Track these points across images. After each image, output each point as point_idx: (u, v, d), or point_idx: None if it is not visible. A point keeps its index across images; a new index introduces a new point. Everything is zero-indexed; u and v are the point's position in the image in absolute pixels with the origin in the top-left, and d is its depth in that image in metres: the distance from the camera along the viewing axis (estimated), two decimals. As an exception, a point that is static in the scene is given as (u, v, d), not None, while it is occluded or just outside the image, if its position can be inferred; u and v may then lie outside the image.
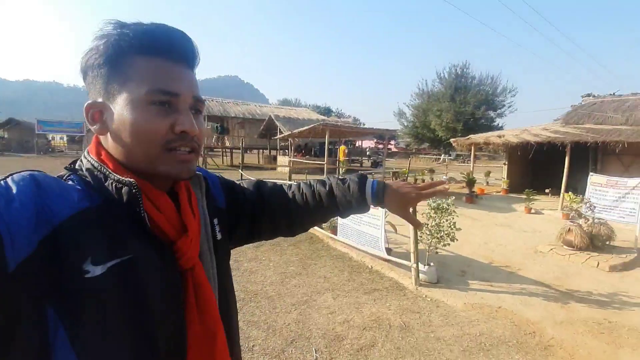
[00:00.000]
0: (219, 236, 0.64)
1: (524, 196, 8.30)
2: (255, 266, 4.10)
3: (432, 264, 3.85)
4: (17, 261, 0.38)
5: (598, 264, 4.54)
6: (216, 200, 0.68)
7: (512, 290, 3.69)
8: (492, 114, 27.44)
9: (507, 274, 4.23)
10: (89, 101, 0.51)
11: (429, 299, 3.43)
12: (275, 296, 3.33)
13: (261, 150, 22.96)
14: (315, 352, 2.49)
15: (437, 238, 3.73)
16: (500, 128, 25.09)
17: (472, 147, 10.96)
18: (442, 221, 3.72)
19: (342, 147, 14.85)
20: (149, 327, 0.46)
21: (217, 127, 19.67)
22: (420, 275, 3.74)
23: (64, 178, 0.50)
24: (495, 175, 13.05)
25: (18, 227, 0.39)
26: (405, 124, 31.48)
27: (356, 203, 0.77)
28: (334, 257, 4.55)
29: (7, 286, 0.37)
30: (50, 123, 22.81)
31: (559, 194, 8.04)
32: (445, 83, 28.31)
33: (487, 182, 12.43)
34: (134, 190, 0.48)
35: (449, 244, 3.76)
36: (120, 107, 0.49)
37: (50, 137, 26.89)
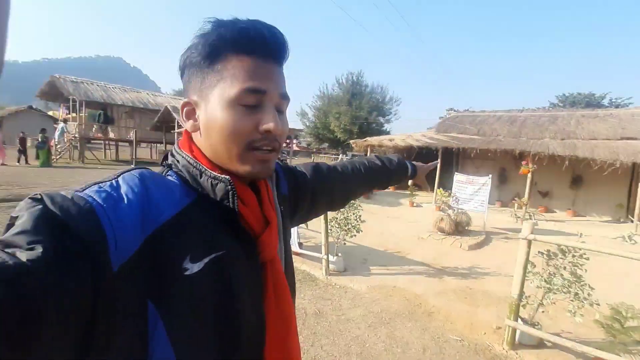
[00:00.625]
0: (286, 224, 0.66)
1: (408, 192, 9.76)
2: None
3: (339, 254, 4.27)
4: (120, 262, 0.39)
5: (461, 244, 5.76)
6: (281, 187, 0.70)
7: (403, 272, 4.40)
8: (381, 119, 30.85)
9: (399, 258, 4.99)
10: (185, 99, 0.53)
11: (338, 286, 3.81)
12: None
13: (154, 144, 20.74)
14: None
15: (345, 230, 4.16)
16: (388, 132, 28.47)
17: (368, 149, 12.26)
18: (349, 215, 4.16)
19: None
20: (235, 319, 0.48)
21: (99, 114, 16.91)
22: (330, 265, 4.10)
23: (165, 174, 0.51)
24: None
25: (124, 228, 0.40)
26: (307, 124, 32.74)
27: (403, 177, 1.08)
28: None
29: (110, 285, 0.37)
30: None
31: (433, 190, 9.72)
32: (343, 88, 30.52)
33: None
34: (228, 187, 0.49)
35: (355, 235, 4.23)
36: (211, 106, 0.50)
37: None
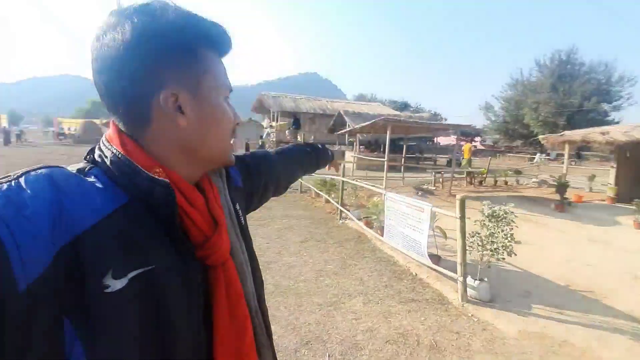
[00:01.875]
0: (242, 221, 0.63)
1: (634, 207, 6.74)
2: (295, 261, 4.14)
3: (485, 279, 3.38)
4: (28, 280, 0.34)
5: None
6: (235, 180, 0.69)
7: (587, 322, 3.02)
8: (605, 106, 22.98)
9: (587, 301, 3.47)
10: (163, 90, 0.46)
11: (474, 319, 3.02)
12: (304, 293, 3.31)
13: (330, 146, 23.33)
14: (328, 358, 2.39)
15: (491, 250, 3.24)
16: (616, 123, 20.86)
17: (567, 146, 9.31)
18: (497, 231, 3.21)
19: (468, 146, 13.41)
20: (167, 339, 0.44)
21: (292, 121, 20.53)
22: (468, 290, 3.31)
23: (85, 172, 0.45)
24: (603, 180, 10.90)
25: (30, 240, 0.35)
26: (493, 119, 28.43)
27: (327, 161, 1.17)
28: (378, 260, 4.34)
29: (17, 306, 0.34)
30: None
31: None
32: (545, 71, 24.65)
33: (591, 188, 10.45)
34: (166, 190, 0.45)
35: (503, 258, 3.24)
36: (205, 98, 0.49)
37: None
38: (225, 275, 0.51)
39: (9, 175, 0.39)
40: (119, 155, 0.46)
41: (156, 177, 0.45)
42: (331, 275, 3.78)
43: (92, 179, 0.44)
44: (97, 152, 0.48)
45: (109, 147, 0.47)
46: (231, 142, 0.55)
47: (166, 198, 0.44)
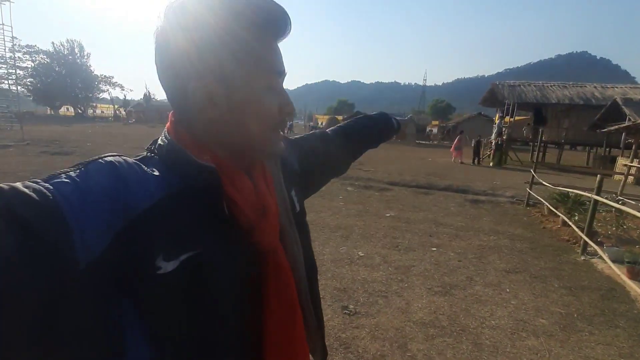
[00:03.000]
0: (297, 207, 0.63)
1: None
2: (489, 295, 3.17)
3: None
4: (88, 260, 0.36)
5: None
6: (291, 164, 0.68)
7: None
8: None
9: None
10: (195, 82, 0.46)
11: None
12: (487, 347, 2.42)
13: (592, 148, 17.18)
14: None
15: None
16: None
17: None
18: None
19: None
20: (221, 320, 0.46)
21: (533, 115, 16.73)
22: None
23: (145, 160, 0.48)
24: None
25: (92, 223, 0.37)
26: None
27: (392, 133, 1.07)
28: (634, 320, 2.63)
29: (78, 284, 0.36)
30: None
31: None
32: None
33: None
34: (212, 175, 0.46)
35: None
36: (237, 90, 0.47)
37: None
38: (274, 261, 0.51)
39: (79, 163, 0.42)
40: (173, 144, 0.48)
41: (203, 162, 0.46)
42: (540, 336, 2.60)
43: (149, 167, 0.46)
44: (158, 143, 0.51)
45: (166, 136, 0.50)
46: (278, 132, 0.53)
47: (212, 183, 0.46)
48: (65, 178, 0.39)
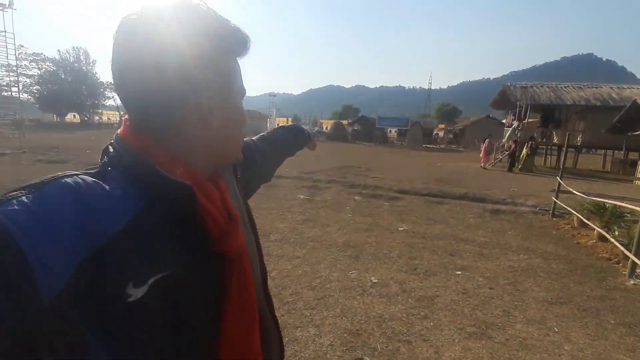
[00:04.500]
0: (251, 212, 0.66)
1: None
2: (535, 337, 2.58)
3: None
4: (52, 293, 0.34)
5: None
6: (238, 172, 0.67)
7: None
8: None
9: None
10: (199, 93, 0.48)
11: None
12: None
13: (611, 152, 16.45)
14: None
15: None
16: None
17: None
18: None
19: None
20: (189, 338, 0.45)
21: (541, 117, 16.06)
22: None
23: (104, 177, 0.43)
24: None
25: (52, 253, 0.35)
26: None
27: (305, 143, 1.15)
28: None
29: (41, 320, 0.33)
30: (387, 118, 28.44)
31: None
32: None
33: None
34: (187, 192, 0.45)
35: None
36: (230, 101, 0.52)
37: (388, 130, 33.73)
38: (239, 267, 0.52)
39: (31, 185, 0.39)
40: (138, 157, 0.45)
41: (177, 179, 0.45)
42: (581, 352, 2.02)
43: (110, 184, 0.43)
44: (112, 152, 0.47)
45: (125, 147, 0.46)
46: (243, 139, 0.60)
47: (187, 199, 0.45)
48: (17, 205, 0.36)
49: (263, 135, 0.99)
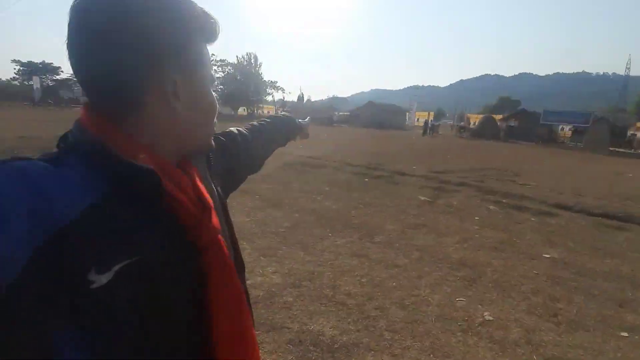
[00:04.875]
0: (224, 201, 0.65)
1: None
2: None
3: None
4: (7, 282, 0.33)
5: None
6: (213, 161, 0.66)
7: None
8: None
9: None
10: (164, 74, 0.46)
11: None
12: None
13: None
14: None
15: None
16: None
17: None
18: None
19: None
20: (169, 326, 0.44)
21: None
22: None
23: (61, 161, 0.42)
24: None
25: (5, 241, 0.34)
26: None
27: (296, 133, 1.14)
28: None
29: (4, 309, 0.33)
30: (556, 113, 22.80)
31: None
32: None
33: None
34: (151, 177, 0.43)
35: None
36: (198, 84, 0.50)
37: (559, 127, 27.22)
38: (218, 255, 0.51)
39: None
40: (98, 142, 0.43)
41: (139, 164, 0.43)
42: None
43: (67, 169, 0.41)
44: (70, 138, 0.46)
45: (85, 132, 0.45)
46: (214, 128, 0.56)
47: (151, 184, 0.43)
48: None
49: (251, 124, 0.97)
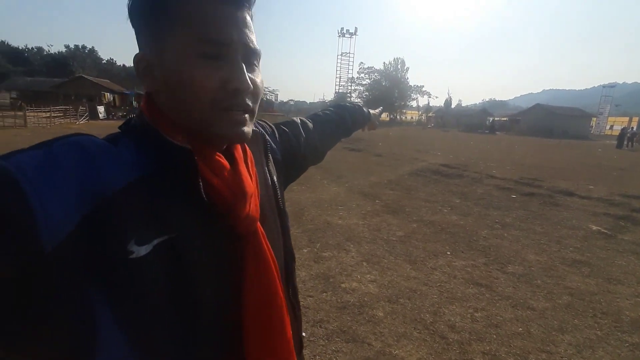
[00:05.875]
0: (279, 194, 0.62)
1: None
2: None
3: None
4: (54, 243, 0.34)
5: None
6: (274, 150, 0.66)
7: None
8: None
9: None
10: (138, 52, 0.47)
11: None
12: None
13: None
14: None
15: None
16: None
17: None
18: None
19: None
20: (199, 307, 0.44)
21: None
22: None
23: (116, 140, 0.45)
24: None
25: (57, 203, 0.35)
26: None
27: (364, 123, 1.09)
28: None
29: (43, 270, 0.34)
30: None
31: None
32: None
33: None
34: (188, 157, 0.44)
35: None
36: (168, 59, 0.45)
37: None
38: (254, 245, 0.50)
39: (43, 142, 0.40)
40: (145, 123, 0.46)
41: (177, 143, 0.44)
42: None
43: (121, 147, 0.44)
44: (131, 121, 0.49)
45: (141, 116, 0.48)
46: (229, 111, 0.46)
47: (188, 165, 0.43)
48: (26, 157, 0.37)
49: (317, 113, 0.94)
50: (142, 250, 0.39)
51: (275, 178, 0.62)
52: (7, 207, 0.33)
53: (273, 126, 0.74)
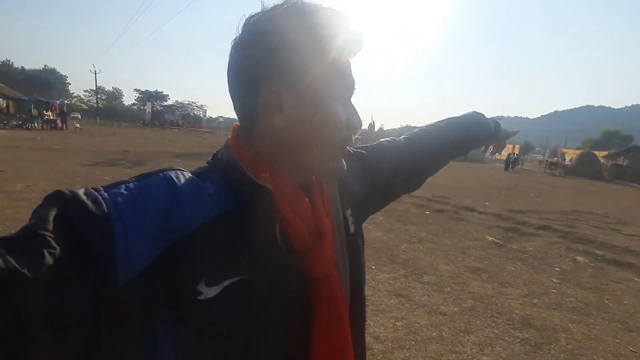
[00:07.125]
0: (352, 228, 0.57)
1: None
2: None
3: None
4: (127, 276, 0.35)
5: None
6: (348, 182, 0.60)
7: None
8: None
9: None
10: (264, 84, 0.45)
11: None
12: None
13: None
14: None
15: None
16: None
17: None
18: None
19: None
20: (265, 351, 0.43)
21: None
22: None
23: (204, 176, 0.46)
24: None
25: (136, 239, 0.36)
26: None
27: (484, 139, 0.89)
28: None
29: (113, 300, 0.34)
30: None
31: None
32: None
33: None
34: (268, 196, 0.43)
35: None
36: (309, 98, 0.44)
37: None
38: (328, 290, 0.48)
39: (142, 174, 0.42)
40: (232, 159, 0.46)
41: (260, 182, 0.44)
42: None
43: (206, 183, 0.44)
44: (218, 156, 0.49)
45: (226, 150, 0.48)
46: (344, 150, 0.50)
47: (267, 204, 0.43)
48: (124, 189, 0.39)
49: (414, 132, 0.81)
50: (210, 292, 0.39)
51: (348, 212, 0.57)
52: (96, 239, 0.34)
53: (353, 152, 0.67)
